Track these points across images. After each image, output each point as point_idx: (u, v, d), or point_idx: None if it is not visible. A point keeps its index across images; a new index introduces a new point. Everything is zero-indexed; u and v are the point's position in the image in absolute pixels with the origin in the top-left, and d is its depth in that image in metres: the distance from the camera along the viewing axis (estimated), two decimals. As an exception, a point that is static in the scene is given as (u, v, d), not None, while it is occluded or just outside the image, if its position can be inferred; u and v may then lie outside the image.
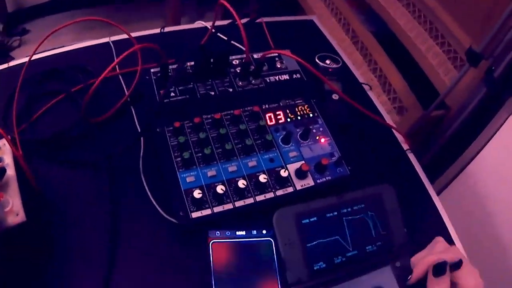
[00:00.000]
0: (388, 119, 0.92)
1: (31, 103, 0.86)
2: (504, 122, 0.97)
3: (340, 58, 0.94)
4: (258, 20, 0.97)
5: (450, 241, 0.78)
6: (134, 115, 0.82)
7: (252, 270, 0.65)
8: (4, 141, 0.69)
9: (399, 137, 0.91)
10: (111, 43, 0.96)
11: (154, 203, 0.70)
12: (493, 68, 1.02)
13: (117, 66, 0.89)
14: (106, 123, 0.82)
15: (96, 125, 0.81)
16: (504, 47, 0.98)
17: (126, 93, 0.85)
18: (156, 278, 0.65)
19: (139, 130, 0.80)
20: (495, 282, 0.95)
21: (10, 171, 0.65)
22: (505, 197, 0.96)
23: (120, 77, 0.89)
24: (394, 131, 0.91)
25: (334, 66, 0.90)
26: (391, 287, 0.67)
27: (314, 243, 0.66)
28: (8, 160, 0.67)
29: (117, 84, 0.88)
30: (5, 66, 0.97)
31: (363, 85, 0.97)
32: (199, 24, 1.06)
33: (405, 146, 0.90)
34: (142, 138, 0.77)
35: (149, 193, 0.71)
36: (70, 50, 0.98)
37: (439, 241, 0.68)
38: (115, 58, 0.94)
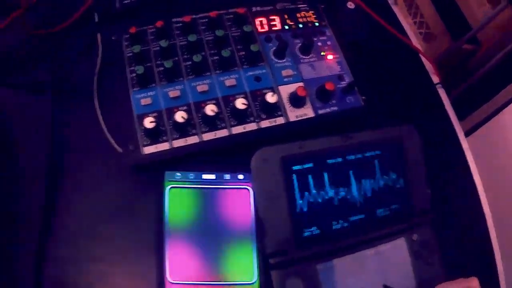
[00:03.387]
0: (415, 42, 0.66)
1: None
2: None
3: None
4: None
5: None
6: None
7: (220, 227, 0.44)
8: None
9: (428, 66, 0.64)
10: None
11: (105, 131, 0.49)
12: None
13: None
14: (63, 35, 0.59)
15: (48, 39, 0.58)
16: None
17: None
18: (99, 222, 0.47)
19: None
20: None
21: None
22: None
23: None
24: (422, 57, 0.64)
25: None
26: (402, 267, 0.46)
27: (307, 199, 0.44)
28: None
29: None
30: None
31: (386, -3, 0.69)
32: None
33: (435, 79, 0.63)
34: (100, 49, 0.54)
35: (101, 119, 0.50)
36: None
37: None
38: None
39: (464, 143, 0.61)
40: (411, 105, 0.60)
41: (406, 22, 0.68)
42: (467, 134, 0.68)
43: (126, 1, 0.53)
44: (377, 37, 0.61)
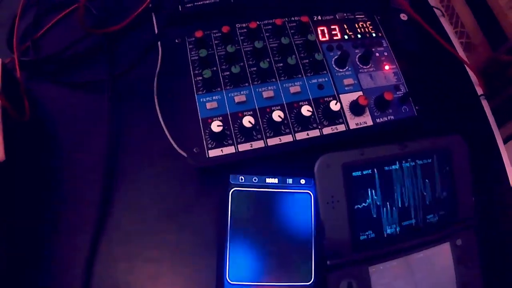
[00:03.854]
0: (461, 53, 0.66)
1: (39, 18, 0.65)
2: None
3: (409, -28, 0.67)
4: None
5: None
6: (155, 25, 0.58)
7: (280, 230, 0.45)
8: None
9: (472, 77, 0.65)
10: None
11: (167, 132, 0.50)
12: None
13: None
14: (122, 35, 0.61)
15: (108, 38, 0.60)
16: None
17: None
18: (159, 225, 0.48)
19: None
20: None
21: None
22: None
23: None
24: (467, 69, 0.65)
25: (403, -20, 0.63)
26: (446, 271, 0.47)
27: (365, 204, 0.46)
28: None
29: None
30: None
31: (435, 9, 0.70)
32: None
33: (479, 90, 0.64)
34: (160, 51, 0.54)
35: (161, 120, 0.51)
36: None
37: None
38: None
39: (503, 150, 0.62)
40: (457, 114, 0.61)
41: (452, 34, 0.69)
42: (506, 141, 0.69)
43: (188, 5, 0.54)
44: (427, 47, 0.62)
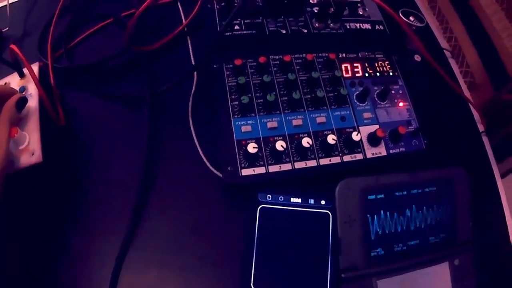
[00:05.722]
0: (466, 93, 0.73)
1: (73, 27, 0.70)
2: None
3: (424, 17, 0.73)
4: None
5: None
6: (190, 47, 0.64)
7: (301, 244, 0.51)
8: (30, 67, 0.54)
9: (475, 114, 0.71)
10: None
11: (200, 150, 0.56)
12: None
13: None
14: (157, 53, 0.66)
15: (145, 55, 0.64)
16: None
17: (184, 21, 0.67)
18: (189, 237, 0.52)
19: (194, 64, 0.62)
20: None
21: (33, 103, 0.52)
22: None
23: (179, 3, 0.71)
24: (471, 107, 0.71)
25: (418, 24, 0.70)
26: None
27: (377, 224, 0.51)
28: (32, 90, 0.53)
29: (175, 11, 0.71)
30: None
31: (445, 51, 0.76)
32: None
33: (481, 127, 0.70)
34: (195, 73, 0.60)
35: (195, 138, 0.57)
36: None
37: None
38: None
39: (499, 183, 0.68)
40: (460, 148, 0.67)
41: (458, 74, 0.75)
42: (504, 175, 0.75)
43: (228, 34, 0.60)
44: (436, 86, 0.67)
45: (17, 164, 0.48)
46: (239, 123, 0.53)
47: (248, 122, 0.53)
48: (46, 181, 0.55)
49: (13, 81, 0.55)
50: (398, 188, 0.53)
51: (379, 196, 0.52)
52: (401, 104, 0.59)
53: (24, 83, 0.54)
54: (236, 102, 0.54)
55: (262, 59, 0.56)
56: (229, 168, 0.51)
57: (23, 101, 0.49)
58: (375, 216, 0.51)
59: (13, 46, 0.51)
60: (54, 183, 0.55)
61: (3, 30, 0.74)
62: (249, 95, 0.55)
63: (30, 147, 0.48)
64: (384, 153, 0.55)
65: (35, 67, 0.55)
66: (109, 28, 0.70)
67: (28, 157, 0.48)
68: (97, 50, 0.66)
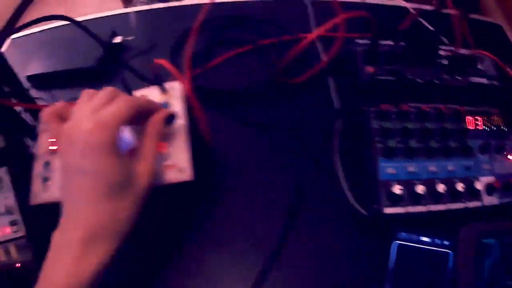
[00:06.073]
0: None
1: (209, 48, 0.72)
2: None
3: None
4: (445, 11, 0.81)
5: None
6: (331, 85, 0.70)
7: (424, 280, 0.58)
8: (174, 84, 0.56)
9: None
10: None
11: (344, 186, 0.62)
12: None
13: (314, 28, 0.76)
14: (296, 87, 0.70)
15: (285, 87, 0.69)
16: None
17: (323, 58, 0.73)
18: (323, 265, 0.59)
19: (335, 103, 0.69)
20: None
21: (180, 120, 0.53)
22: None
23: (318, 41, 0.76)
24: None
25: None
26: None
27: (489, 268, 0.59)
28: (178, 106, 0.54)
29: (312, 48, 0.75)
30: (179, 3, 0.82)
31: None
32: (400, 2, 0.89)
33: None
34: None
35: (340, 175, 0.63)
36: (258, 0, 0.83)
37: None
38: (310, 17, 0.80)
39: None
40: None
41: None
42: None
43: (377, 77, 0.65)
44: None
45: (162, 180, 0.49)
46: (384, 164, 0.60)
47: (393, 165, 0.61)
48: (189, 198, 0.59)
49: (151, 95, 0.54)
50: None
51: (494, 241, 0.61)
52: (510, 157, 0.67)
53: (166, 99, 0.54)
54: (381, 145, 0.61)
55: (405, 107, 0.63)
56: (374, 206, 0.59)
57: (171, 118, 0.50)
58: (489, 260, 0.59)
59: (163, 61, 0.53)
60: (196, 201, 0.60)
61: (128, 39, 0.76)
62: (395, 139, 0.62)
63: (177, 163, 0.50)
64: (496, 202, 0.63)
65: (179, 85, 0.56)
66: (245, 54, 0.74)
67: (177, 174, 0.49)
68: (232, 74, 0.71)
